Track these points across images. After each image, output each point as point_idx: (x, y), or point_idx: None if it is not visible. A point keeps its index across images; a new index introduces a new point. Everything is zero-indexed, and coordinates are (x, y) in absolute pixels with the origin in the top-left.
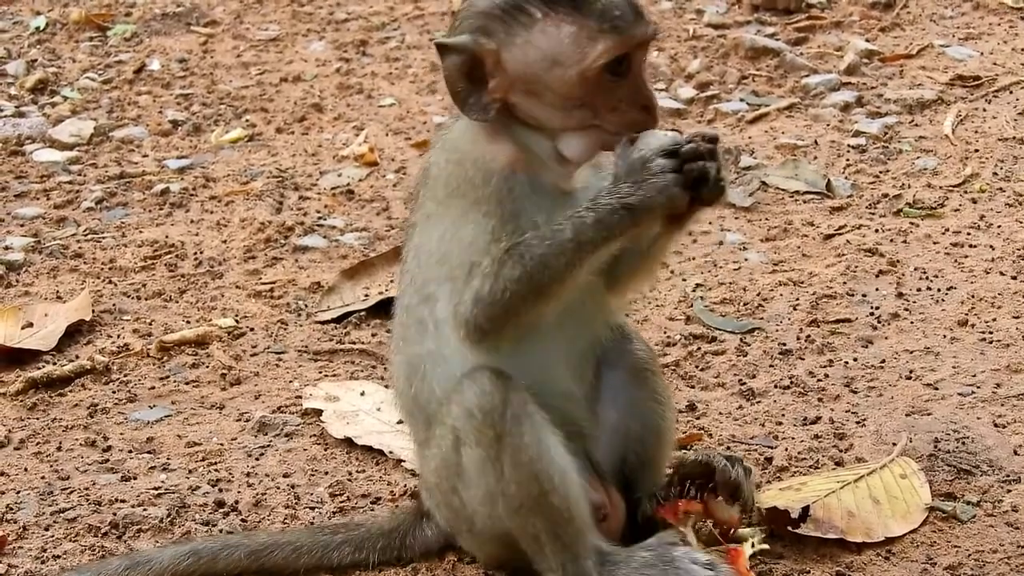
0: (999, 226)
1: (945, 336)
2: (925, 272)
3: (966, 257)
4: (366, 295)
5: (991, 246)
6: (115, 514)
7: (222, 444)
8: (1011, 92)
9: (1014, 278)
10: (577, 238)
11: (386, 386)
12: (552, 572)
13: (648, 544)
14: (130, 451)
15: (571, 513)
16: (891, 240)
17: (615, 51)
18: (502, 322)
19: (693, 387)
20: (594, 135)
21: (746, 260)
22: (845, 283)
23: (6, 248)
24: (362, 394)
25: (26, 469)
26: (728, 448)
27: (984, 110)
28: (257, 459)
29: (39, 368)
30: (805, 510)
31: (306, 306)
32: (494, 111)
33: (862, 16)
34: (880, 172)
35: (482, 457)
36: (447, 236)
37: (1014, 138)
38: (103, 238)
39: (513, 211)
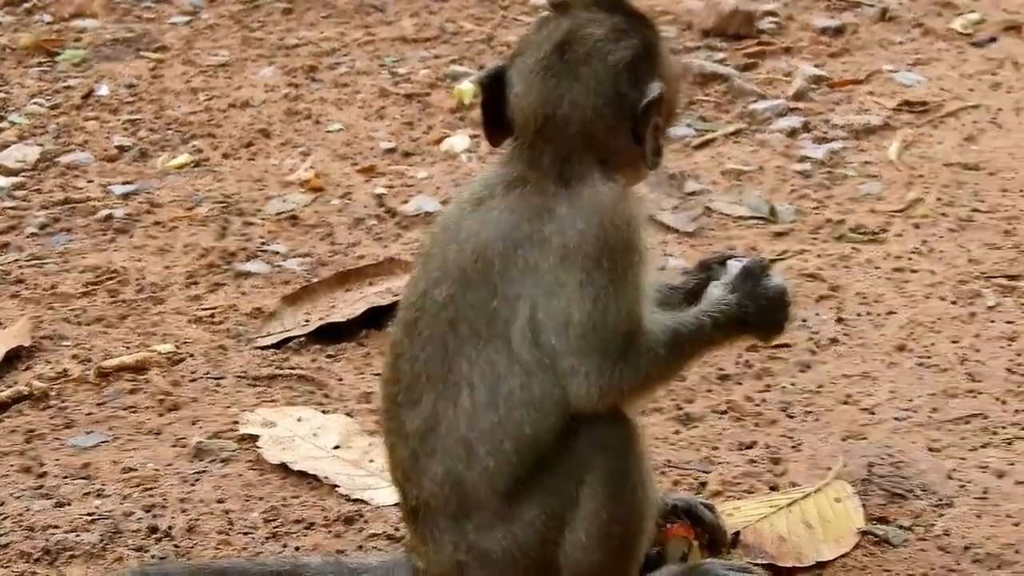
0: (941, 251)
1: (883, 361)
2: (866, 297)
3: (907, 282)
4: (307, 320)
5: (932, 271)
6: (47, 540)
7: (158, 470)
8: (958, 118)
9: (954, 303)
10: (712, 336)
11: (323, 411)
12: None
13: (670, 567)
14: (65, 477)
15: (642, 550)
16: (833, 265)
17: None
18: (639, 396)
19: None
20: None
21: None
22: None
23: None
24: (299, 420)
25: None
26: (663, 473)
27: (930, 136)
28: (192, 485)
29: None
30: (736, 535)
31: (246, 332)
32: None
33: (812, 42)
34: (824, 197)
35: (605, 495)
36: (596, 307)
37: (959, 163)
38: (45, 264)
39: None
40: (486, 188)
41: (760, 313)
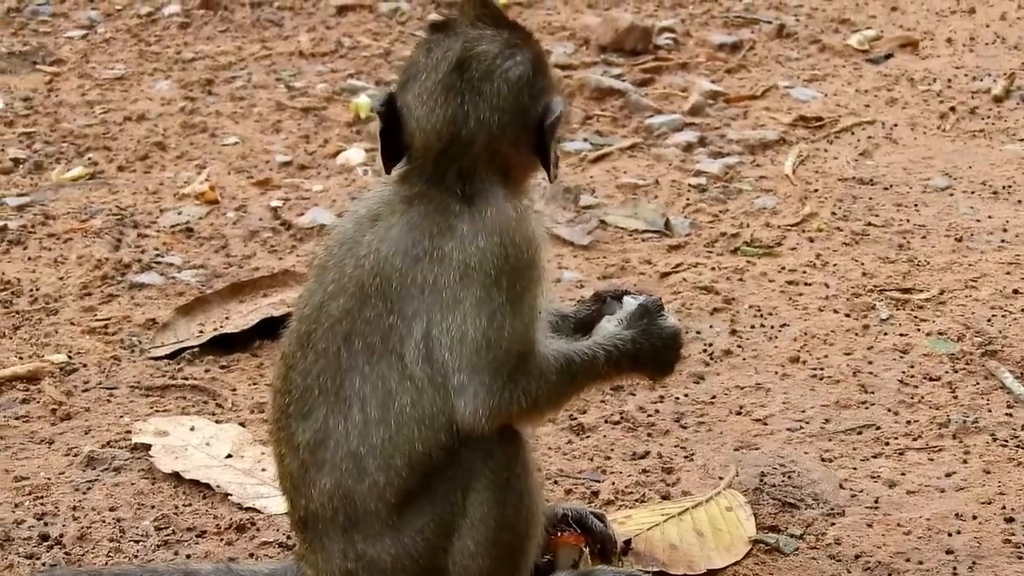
0: (835, 264)
1: (776, 372)
2: (759, 310)
3: (800, 295)
4: (201, 331)
5: (826, 284)
6: None
7: (49, 479)
8: (852, 133)
9: (847, 316)
10: (603, 369)
11: (216, 421)
12: None
13: (560, 575)
14: None
15: (531, 557)
16: (727, 278)
17: None
18: (526, 421)
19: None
20: None
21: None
22: (680, 320)
23: None
24: (192, 429)
25: None
26: (556, 482)
27: (825, 150)
28: (84, 493)
29: None
30: (627, 543)
31: (140, 342)
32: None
33: (708, 58)
34: (720, 211)
35: (491, 501)
36: (491, 326)
37: (853, 178)
38: None
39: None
40: (384, 204)
41: (653, 352)
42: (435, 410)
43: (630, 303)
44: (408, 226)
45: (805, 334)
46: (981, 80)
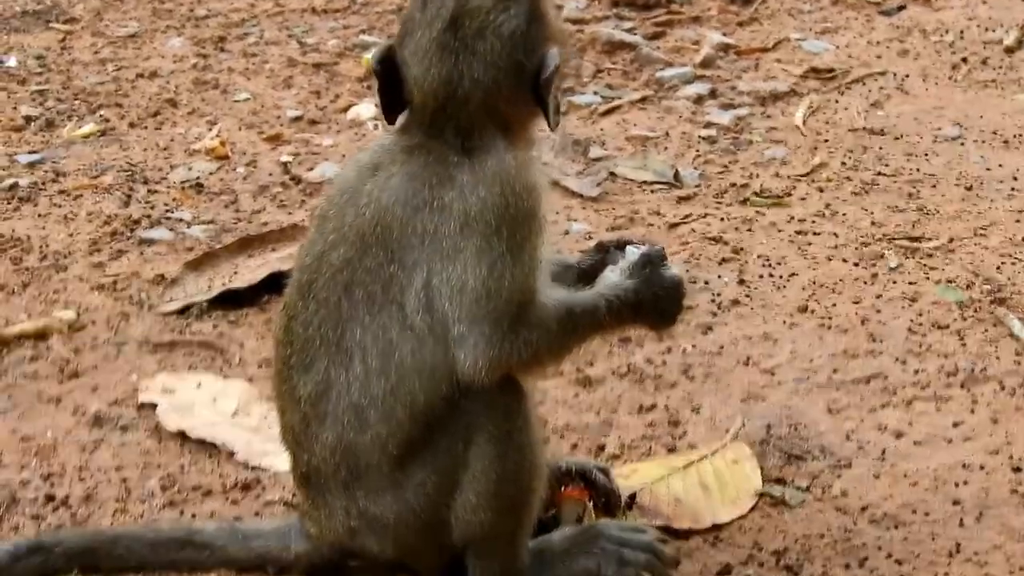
0: (844, 214)
1: (784, 322)
2: (768, 259)
3: (809, 244)
4: (209, 287)
5: (835, 233)
6: None
7: (56, 438)
8: (864, 84)
9: (856, 265)
10: (605, 320)
11: (224, 377)
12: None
13: (564, 529)
14: None
15: (533, 511)
16: (736, 228)
17: None
18: (527, 371)
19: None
20: None
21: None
22: (688, 271)
23: None
24: (198, 386)
25: None
26: (562, 436)
27: (836, 102)
28: (90, 453)
29: None
30: (631, 497)
31: (148, 298)
32: None
33: (720, 11)
34: (729, 162)
35: (493, 454)
36: (491, 275)
37: (863, 128)
38: None
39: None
40: (386, 154)
41: (655, 302)
42: (436, 360)
43: (632, 252)
44: (408, 176)
45: (814, 283)
46: (994, 31)
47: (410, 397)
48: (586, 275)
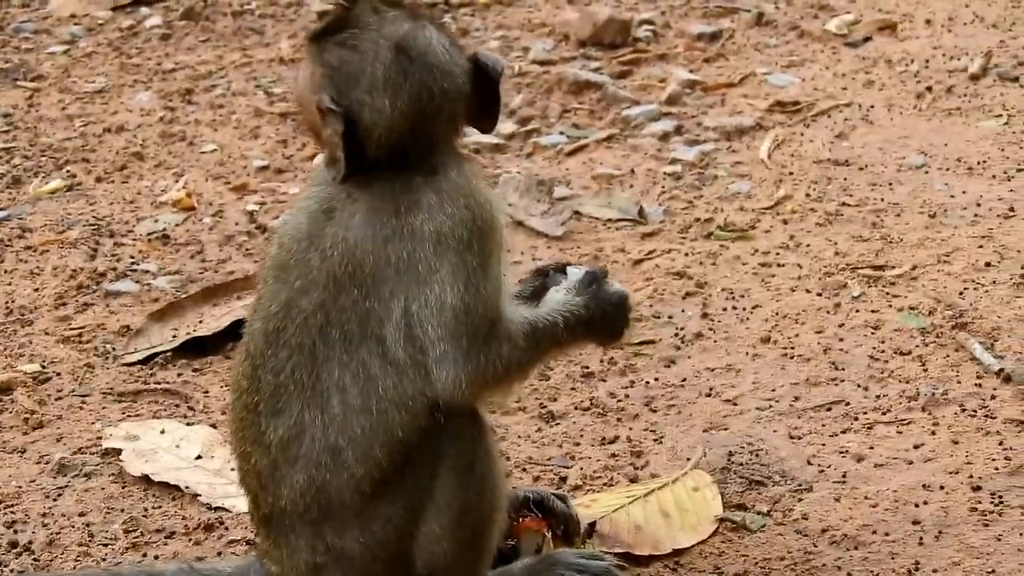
0: (808, 245)
1: (747, 353)
2: (732, 292)
3: (773, 276)
4: (174, 335)
5: (799, 264)
6: None
7: (20, 487)
8: (829, 116)
9: (819, 295)
10: (563, 336)
11: (188, 423)
12: None
13: (524, 560)
14: None
15: (494, 541)
16: (700, 263)
17: None
18: (500, 387)
19: (494, 412)
20: None
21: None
22: (652, 306)
23: None
24: (162, 432)
25: None
26: (524, 469)
27: (801, 134)
28: (54, 500)
29: None
30: (591, 525)
31: (113, 349)
32: None
33: (687, 48)
34: (694, 198)
35: (456, 484)
36: (468, 290)
37: (828, 160)
38: None
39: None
40: (338, 196)
41: (604, 317)
42: (415, 390)
43: (575, 273)
44: (371, 210)
45: (777, 314)
46: (959, 59)
47: (389, 434)
48: (528, 301)
